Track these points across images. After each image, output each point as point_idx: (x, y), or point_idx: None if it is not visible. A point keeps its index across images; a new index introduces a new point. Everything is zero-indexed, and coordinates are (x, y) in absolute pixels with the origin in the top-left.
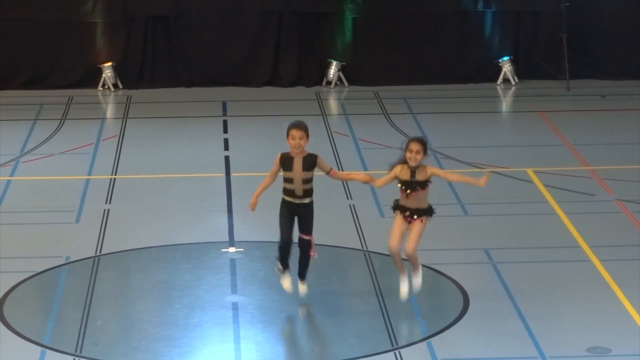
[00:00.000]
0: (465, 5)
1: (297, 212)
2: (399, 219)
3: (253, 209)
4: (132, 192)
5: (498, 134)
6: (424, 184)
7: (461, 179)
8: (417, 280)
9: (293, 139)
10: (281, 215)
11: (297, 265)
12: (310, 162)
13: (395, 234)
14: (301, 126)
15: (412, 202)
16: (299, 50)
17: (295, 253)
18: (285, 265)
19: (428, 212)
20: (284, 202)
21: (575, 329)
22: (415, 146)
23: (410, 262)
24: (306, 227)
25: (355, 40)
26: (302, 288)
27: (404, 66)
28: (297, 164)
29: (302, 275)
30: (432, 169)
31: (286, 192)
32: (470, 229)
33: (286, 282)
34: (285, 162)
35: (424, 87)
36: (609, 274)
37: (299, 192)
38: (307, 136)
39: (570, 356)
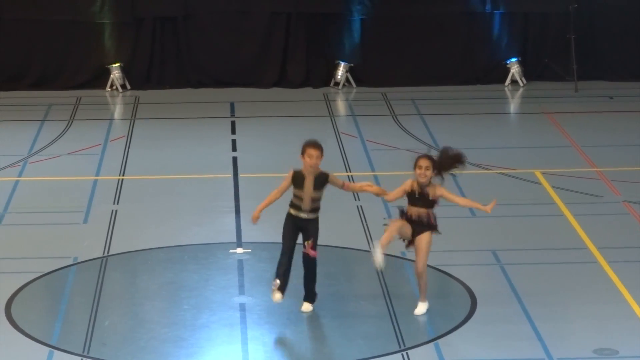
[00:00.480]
0: (473, 7)
1: (301, 227)
2: (400, 221)
3: (255, 222)
4: (140, 193)
5: (506, 135)
6: (431, 203)
7: (469, 204)
8: (421, 309)
9: (310, 157)
10: (284, 229)
11: (301, 281)
12: (322, 180)
13: (390, 229)
14: (319, 146)
15: (418, 217)
16: (307, 51)
17: (298, 274)
18: (282, 279)
19: (434, 226)
20: (288, 216)
21: (582, 330)
22: (424, 162)
23: (418, 283)
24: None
25: (363, 42)
26: (306, 307)
27: (411, 67)
28: (309, 182)
29: (309, 298)
30: (442, 191)
31: (293, 205)
32: (478, 230)
33: (277, 295)
34: (297, 180)
35: (431, 89)
36: (616, 276)
37: (306, 208)
38: (322, 155)
39: (577, 358)
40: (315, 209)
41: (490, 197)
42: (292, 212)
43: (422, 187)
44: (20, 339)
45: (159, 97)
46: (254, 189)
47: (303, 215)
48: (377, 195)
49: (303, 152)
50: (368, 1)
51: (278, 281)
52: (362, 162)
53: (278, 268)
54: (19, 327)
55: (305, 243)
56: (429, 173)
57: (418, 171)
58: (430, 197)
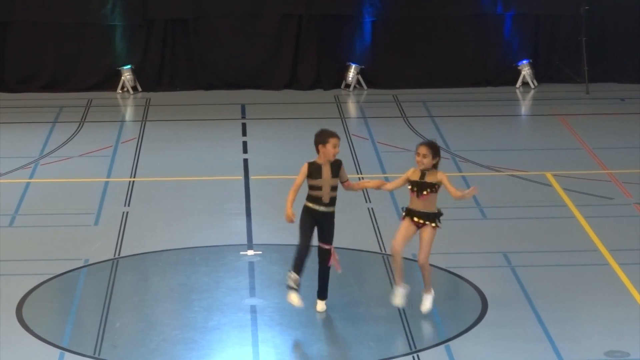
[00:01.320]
0: (485, 9)
1: (318, 221)
2: (406, 222)
3: (292, 220)
4: (151, 195)
5: (517, 137)
6: (433, 186)
7: (458, 195)
8: (426, 305)
9: (334, 147)
10: (302, 221)
11: (315, 283)
12: (337, 167)
13: (400, 234)
14: (338, 135)
15: (420, 205)
16: (318, 54)
17: (312, 268)
18: (298, 272)
19: (437, 216)
20: (306, 209)
21: (593, 332)
22: (422, 149)
23: (423, 277)
24: (326, 236)
25: (374, 44)
26: (321, 305)
27: (422, 69)
28: (326, 170)
29: (322, 294)
30: (442, 176)
31: (311, 199)
32: (489, 232)
33: (294, 298)
34: (314, 170)
35: (442, 90)
36: (627, 278)
37: (326, 200)
38: None
39: None
40: (333, 200)
41: (500, 198)
42: (310, 205)
43: (422, 174)
44: (31, 341)
45: (170, 99)
46: (265, 191)
47: (322, 208)
48: (377, 188)
49: (324, 142)
50: (379, 3)
51: (298, 276)
52: (373, 164)
53: (296, 261)
54: (30, 328)
55: (321, 245)
56: (427, 160)
57: (417, 158)
58: (430, 182)
